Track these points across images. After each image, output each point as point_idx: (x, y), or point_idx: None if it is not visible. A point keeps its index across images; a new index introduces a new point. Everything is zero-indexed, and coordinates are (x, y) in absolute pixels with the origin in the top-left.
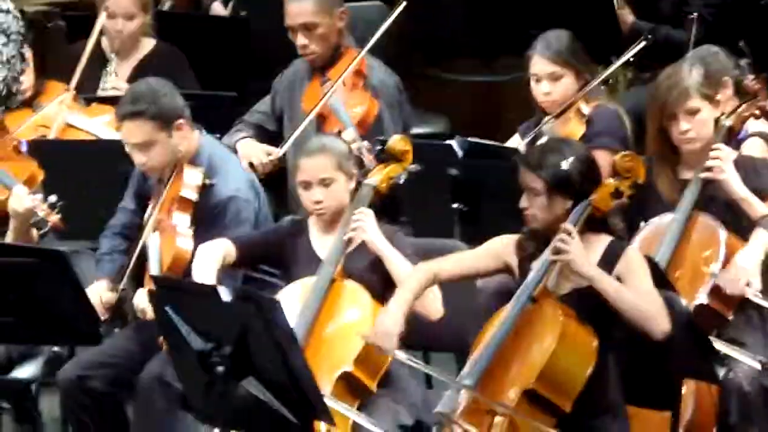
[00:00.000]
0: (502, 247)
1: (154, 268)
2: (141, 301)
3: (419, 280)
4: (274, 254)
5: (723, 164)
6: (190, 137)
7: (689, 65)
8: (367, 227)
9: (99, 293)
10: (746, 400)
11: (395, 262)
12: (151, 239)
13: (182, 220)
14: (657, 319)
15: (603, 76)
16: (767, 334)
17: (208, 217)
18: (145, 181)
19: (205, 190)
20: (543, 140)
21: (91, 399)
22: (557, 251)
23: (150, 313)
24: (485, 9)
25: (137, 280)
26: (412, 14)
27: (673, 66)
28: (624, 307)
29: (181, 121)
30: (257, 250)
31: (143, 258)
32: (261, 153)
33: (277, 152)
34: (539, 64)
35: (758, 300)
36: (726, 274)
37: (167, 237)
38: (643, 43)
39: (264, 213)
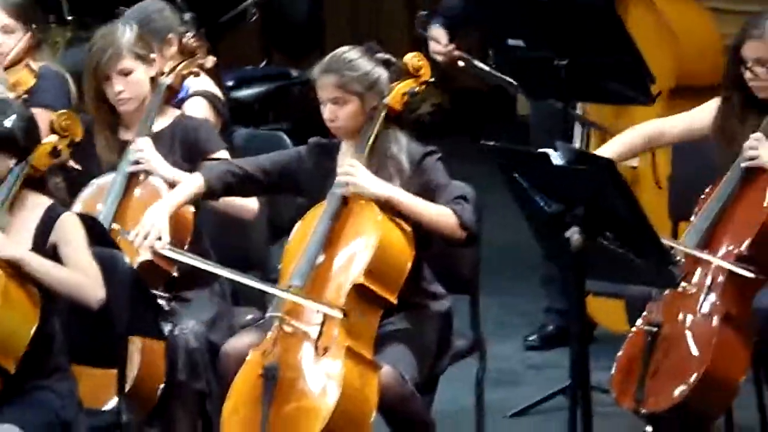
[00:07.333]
0: None
1: None
2: None
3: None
4: None
5: (144, 155)
6: None
7: (124, 24)
8: None
9: None
10: (193, 356)
11: None
12: None
13: None
14: (91, 290)
15: None
16: (214, 291)
17: None
18: None
19: None
20: None
21: None
22: None
23: None
24: None
25: None
26: None
27: (107, 26)
28: (55, 281)
29: None
30: None
31: None
32: None
33: None
34: None
35: (169, 253)
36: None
37: None
38: None
39: None
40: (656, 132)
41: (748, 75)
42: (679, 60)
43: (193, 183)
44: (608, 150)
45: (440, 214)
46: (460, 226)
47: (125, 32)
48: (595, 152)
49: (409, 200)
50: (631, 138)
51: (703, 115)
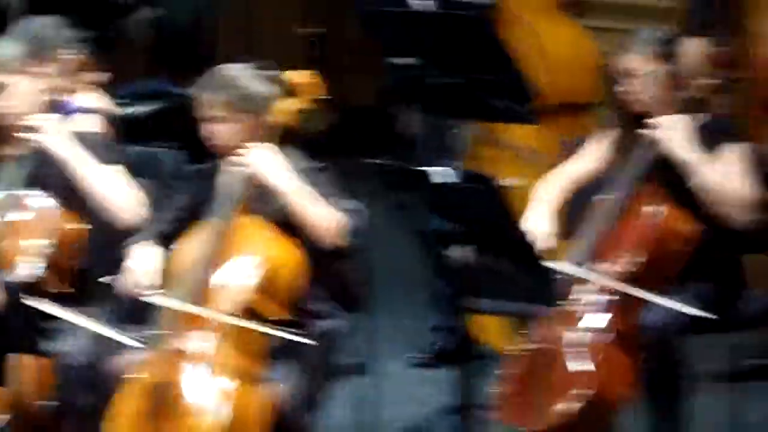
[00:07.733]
0: None
1: None
2: None
3: None
4: None
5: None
6: None
7: (8, 38)
8: None
9: None
10: (80, 374)
11: None
12: None
13: None
14: None
15: None
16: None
17: None
18: None
19: None
20: None
21: None
22: None
23: None
24: None
25: None
26: None
27: None
28: None
29: None
30: None
31: None
32: None
33: None
34: None
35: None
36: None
37: None
38: None
39: None
40: (568, 182)
41: (619, 88)
42: (550, 77)
43: (155, 252)
44: (543, 215)
45: (321, 211)
46: (336, 229)
47: (8, 46)
48: (532, 221)
49: (296, 190)
50: (554, 194)
51: (593, 151)
